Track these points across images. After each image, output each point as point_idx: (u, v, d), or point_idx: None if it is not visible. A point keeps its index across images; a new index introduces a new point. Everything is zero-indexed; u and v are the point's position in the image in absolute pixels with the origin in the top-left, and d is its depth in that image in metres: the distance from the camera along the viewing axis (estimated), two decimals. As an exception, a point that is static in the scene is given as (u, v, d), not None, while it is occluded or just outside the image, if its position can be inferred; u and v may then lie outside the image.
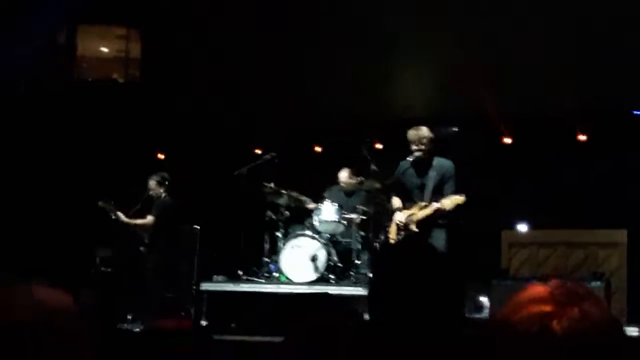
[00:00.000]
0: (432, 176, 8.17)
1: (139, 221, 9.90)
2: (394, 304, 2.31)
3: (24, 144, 11.06)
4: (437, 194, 8.08)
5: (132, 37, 11.96)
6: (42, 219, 10.72)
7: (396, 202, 8.38)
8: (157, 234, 9.79)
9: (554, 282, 1.76)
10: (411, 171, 8.30)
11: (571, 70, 10.30)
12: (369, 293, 2.50)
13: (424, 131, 8.20)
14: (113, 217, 9.79)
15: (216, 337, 6.85)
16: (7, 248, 9.56)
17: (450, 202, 7.85)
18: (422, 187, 8.22)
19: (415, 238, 7.85)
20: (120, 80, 12.15)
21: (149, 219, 9.89)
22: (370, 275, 8.39)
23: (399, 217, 8.25)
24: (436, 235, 8.06)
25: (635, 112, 10.92)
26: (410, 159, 8.26)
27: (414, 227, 8.14)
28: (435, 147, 8.28)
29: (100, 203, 9.77)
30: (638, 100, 10.75)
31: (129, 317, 9.44)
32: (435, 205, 7.93)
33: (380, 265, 2.51)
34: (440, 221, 8.06)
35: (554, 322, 1.63)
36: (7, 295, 1.51)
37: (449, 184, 8.12)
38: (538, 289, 1.77)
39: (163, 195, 9.97)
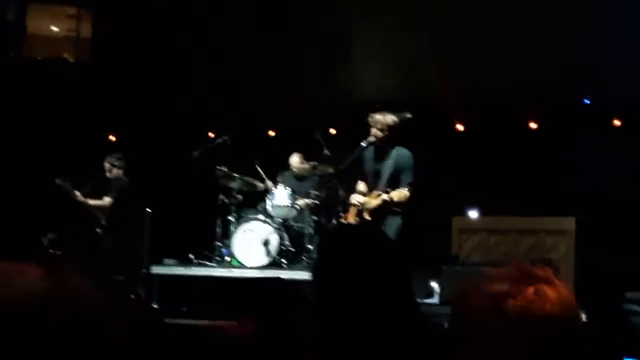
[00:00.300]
0: (389, 165, 8.00)
1: (96, 202, 9.82)
2: (337, 288, 2.31)
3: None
4: (393, 184, 7.95)
5: (83, 17, 11.82)
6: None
7: (361, 186, 8.26)
8: (114, 216, 9.70)
9: (513, 264, 1.77)
10: (370, 156, 8.16)
11: (523, 58, 10.40)
12: (313, 275, 2.48)
13: (389, 117, 8.00)
14: (70, 196, 9.69)
15: (167, 321, 6.86)
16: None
17: (397, 195, 7.74)
18: (377, 175, 8.12)
19: (368, 225, 7.85)
20: (71, 60, 12.00)
21: (106, 200, 9.83)
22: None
23: (356, 199, 8.20)
24: (389, 223, 8.03)
25: (585, 101, 11.04)
26: (370, 140, 8.05)
27: (366, 215, 8.13)
28: (397, 136, 8.10)
29: (57, 181, 9.67)
30: (588, 88, 10.88)
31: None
32: (384, 196, 7.85)
33: (323, 249, 2.49)
34: (395, 208, 8.03)
35: (509, 301, 1.64)
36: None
37: (406, 175, 7.93)
38: (497, 270, 1.78)
39: (119, 176, 9.91)
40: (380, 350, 2.21)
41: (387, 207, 7.93)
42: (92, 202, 9.89)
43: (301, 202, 10.07)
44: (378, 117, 7.98)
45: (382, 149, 8.05)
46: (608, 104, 10.71)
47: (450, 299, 1.86)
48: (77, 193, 9.72)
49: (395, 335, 2.25)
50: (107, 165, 9.96)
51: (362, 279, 2.30)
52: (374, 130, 7.96)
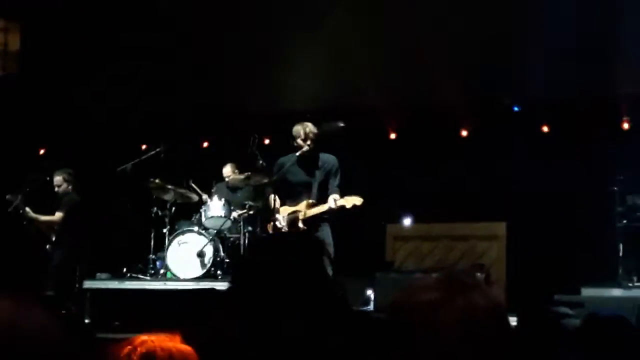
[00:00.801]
0: (318, 173, 8.09)
1: (47, 218, 9.64)
2: (255, 297, 2.32)
3: None
4: (323, 191, 8.06)
5: (11, 30, 11.64)
6: None
7: (272, 200, 8.24)
8: (64, 231, 9.54)
9: (442, 272, 1.80)
10: (296, 167, 8.17)
11: (456, 66, 10.51)
12: (231, 281, 2.49)
13: (310, 127, 8.11)
14: (20, 211, 9.51)
15: (99, 335, 6.77)
16: None
17: (346, 201, 7.77)
18: (308, 185, 8.14)
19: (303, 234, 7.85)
20: (-2, 73, 11.80)
21: (58, 215, 9.64)
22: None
23: (280, 216, 8.19)
24: (323, 229, 8.05)
25: (514, 108, 11.19)
26: (297, 154, 8.13)
27: (300, 224, 8.12)
28: (320, 143, 8.21)
29: (8, 196, 9.48)
30: (517, 96, 11.04)
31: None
32: (330, 203, 7.85)
33: (244, 259, 2.51)
34: (325, 216, 8.06)
35: (439, 309, 1.67)
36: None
37: (334, 179, 8.05)
38: (427, 279, 1.81)
39: (69, 191, 9.76)
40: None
41: (323, 215, 7.97)
42: (43, 217, 9.70)
43: (236, 213, 10.04)
44: (298, 127, 8.08)
45: (308, 158, 8.08)
46: (537, 111, 10.87)
47: (384, 309, 1.87)
48: (28, 209, 9.54)
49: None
50: (57, 179, 9.76)
51: (282, 285, 2.31)
52: (299, 141, 8.04)
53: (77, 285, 9.18)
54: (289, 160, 8.19)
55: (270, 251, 2.44)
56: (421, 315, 1.70)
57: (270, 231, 8.21)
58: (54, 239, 9.66)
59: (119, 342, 2.13)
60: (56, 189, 9.75)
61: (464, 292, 1.71)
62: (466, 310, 1.68)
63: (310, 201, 8.06)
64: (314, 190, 8.07)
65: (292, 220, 8.12)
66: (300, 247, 2.50)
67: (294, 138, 8.10)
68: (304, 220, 8.08)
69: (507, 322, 1.76)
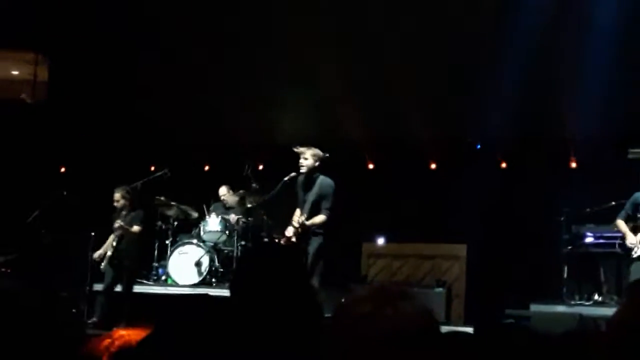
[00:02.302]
0: (313, 192, 7.81)
1: (135, 229, 9.08)
2: (249, 293, 2.29)
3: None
4: (316, 209, 7.79)
5: (40, 62, 11.65)
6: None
7: (297, 213, 7.99)
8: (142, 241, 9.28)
9: (372, 285, 1.77)
10: (301, 185, 7.95)
11: (427, 110, 10.55)
12: (230, 284, 2.48)
13: (312, 150, 7.85)
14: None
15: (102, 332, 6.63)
16: None
17: (311, 221, 7.68)
18: (305, 202, 7.90)
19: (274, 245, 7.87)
20: (29, 101, 11.79)
21: (136, 228, 9.04)
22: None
23: (293, 226, 7.94)
24: (312, 242, 7.89)
25: (477, 146, 11.21)
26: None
27: (293, 238, 7.96)
28: (321, 166, 7.91)
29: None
30: (479, 135, 11.06)
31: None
32: (301, 220, 7.72)
33: (241, 266, 2.51)
34: (317, 230, 7.90)
35: (373, 320, 1.63)
36: None
37: (326, 201, 7.76)
38: (361, 290, 1.76)
39: (127, 206, 9.15)
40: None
41: (307, 230, 7.82)
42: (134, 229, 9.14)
43: (229, 218, 9.99)
44: (303, 148, 7.84)
45: (310, 178, 7.83)
46: (496, 149, 10.89)
47: (328, 323, 1.85)
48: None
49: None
50: (117, 196, 9.15)
51: (268, 285, 2.30)
52: (302, 160, 7.80)
53: (88, 288, 9.05)
54: (299, 178, 7.97)
55: (258, 261, 2.45)
56: (356, 327, 1.66)
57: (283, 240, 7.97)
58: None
59: (99, 336, 2.06)
60: (115, 204, 9.13)
61: (393, 302, 1.66)
62: (395, 319, 1.64)
63: (303, 217, 7.82)
64: (307, 208, 7.78)
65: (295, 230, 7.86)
66: (282, 258, 2.49)
67: (300, 155, 7.89)
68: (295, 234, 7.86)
69: (437, 329, 1.71)
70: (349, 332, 1.66)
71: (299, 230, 7.78)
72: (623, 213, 8.19)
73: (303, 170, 7.80)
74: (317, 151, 7.88)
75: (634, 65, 9.38)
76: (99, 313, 8.81)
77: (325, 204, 7.80)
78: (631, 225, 8.07)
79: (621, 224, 8.18)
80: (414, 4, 9.97)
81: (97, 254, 9.00)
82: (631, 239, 7.98)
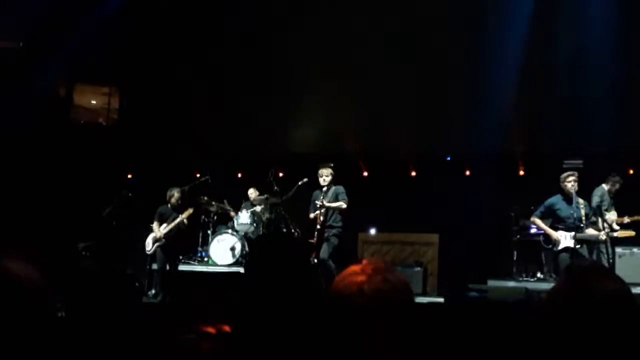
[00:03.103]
0: (329, 197, 8.23)
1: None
2: (259, 277, 2.23)
3: (34, 166, 10.50)
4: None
5: (113, 93, 11.67)
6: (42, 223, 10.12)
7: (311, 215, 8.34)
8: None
9: (365, 261, 1.77)
10: (317, 196, 8.31)
11: (408, 130, 10.54)
12: (245, 267, 2.42)
13: (329, 170, 8.31)
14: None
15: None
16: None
17: (335, 204, 8.15)
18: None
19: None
20: (104, 124, 11.81)
21: (186, 222, 8.88)
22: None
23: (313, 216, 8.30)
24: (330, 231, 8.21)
25: (447, 158, 11.19)
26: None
27: (318, 225, 8.21)
28: (334, 179, 8.35)
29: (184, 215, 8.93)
30: (449, 149, 11.04)
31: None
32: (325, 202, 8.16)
33: (253, 250, 2.43)
34: (335, 224, 8.23)
35: (365, 286, 1.66)
36: None
37: (341, 197, 8.26)
38: (355, 266, 1.77)
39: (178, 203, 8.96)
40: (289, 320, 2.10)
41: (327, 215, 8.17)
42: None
43: (258, 208, 10.08)
44: (323, 170, 8.27)
45: (325, 189, 8.27)
46: (462, 160, 10.87)
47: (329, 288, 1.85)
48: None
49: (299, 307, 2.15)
50: (176, 195, 8.94)
51: (276, 269, 2.22)
52: (322, 178, 8.24)
53: (147, 267, 9.03)
54: (317, 192, 8.38)
55: (268, 248, 2.39)
56: (353, 290, 1.67)
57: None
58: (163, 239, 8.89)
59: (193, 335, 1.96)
60: (170, 200, 8.93)
61: (381, 273, 1.68)
62: (383, 285, 1.67)
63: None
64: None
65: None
66: (291, 246, 2.40)
67: (320, 176, 8.29)
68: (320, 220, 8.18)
69: (410, 291, 1.73)
70: (346, 294, 1.67)
71: (321, 211, 8.10)
72: (538, 212, 7.91)
73: (325, 183, 8.25)
74: (331, 170, 8.34)
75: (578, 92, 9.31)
76: (156, 287, 8.81)
77: (342, 198, 8.25)
78: (548, 223, 7.88)
79: (539, 221, 7.92)
80: (406, 41, 9.91)
81: (149, 240, 8.94)
82: (555, 235, 7.75)
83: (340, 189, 8.34)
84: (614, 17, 8.94)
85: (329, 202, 8.14)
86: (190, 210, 9.00)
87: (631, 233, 7.86)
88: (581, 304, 1.75)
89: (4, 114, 9.07)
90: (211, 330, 1.95)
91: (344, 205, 8.14)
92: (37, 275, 1.33)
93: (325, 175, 8.23)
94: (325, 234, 8.16)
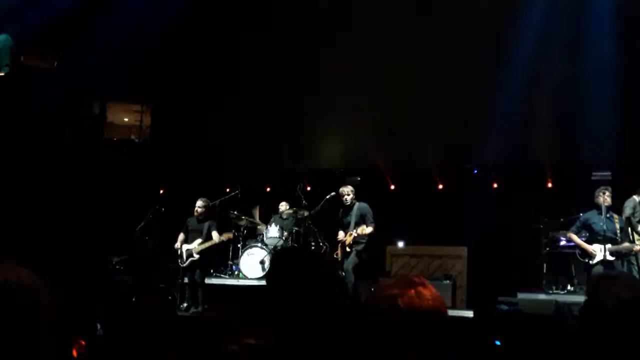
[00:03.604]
0: (353, 215, 8.29)
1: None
2: (280, 288, 2.23)
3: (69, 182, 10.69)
4: (359, 226, 8.20)
5: (145, 111, 11.86)
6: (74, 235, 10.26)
7: (341, 234, 8.38)
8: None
9: (398, 276, 1.81)
10: (343, 213, 8.41)
11: (436, 144, 10.52)
12: (266, 279, 2.42)
13: (349, 188, 8.42)
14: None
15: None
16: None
17: (361, 230, 8.13)
18: (348, 224, 8.31)
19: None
20: (136, 140, 11.99)
21: (216, 235, 8.78)
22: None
23: (341, 238, 8.34)
24: (357, 247, 8.21)
25: (474, 171, 11.12)
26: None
27: (347, 248, 8.24)
28: (356, 196, 8.41)
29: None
30: (476, 162, 10.98)
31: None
32: (355, 232, 8.17)
33: (274, 265, 2.42)
34: (361, 240, 8.23)
35: (399, 300, 1.70)
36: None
37: (368, 217, 8.27)
38: (389, 281, 1.81)
39: (204, 214, 8.91)
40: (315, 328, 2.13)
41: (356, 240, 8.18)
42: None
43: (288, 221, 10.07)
44: (343, 189, 8.38)
45: (348, 207, 8.34)
46: (489, 173, 10.79)
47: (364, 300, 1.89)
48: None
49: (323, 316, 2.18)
50: (200, 204, 8.86)
51: (297, 281, 2.23)
52: (344, 198, 8.34)
53: (179, 280, 9.08)
54: (341, 209, 8.46)
55: (287, 261, 2.38)
56: (387, 304, 1.70)
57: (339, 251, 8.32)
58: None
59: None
60: (197, 209, 8.85)
61: (415, 287, 1.72)
62: (416, 299, 1.70)
63: (349, 232, 8.27)
64: (351, 227, 8.28)
65: (343, 242, 8.30)
66: (310, 259, 2.42)
67: (341, 195, 8.39)
68: (349, 244, 8.22)
69: (444, 305, 1.75)
70: (382, 307, 1.71)
71: (351, 239, 8.18)
72: (574, 228, 7.99)
73: (348, 203, 8.33)
74: (352, 188, 8.45)
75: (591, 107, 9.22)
76: (188, 299, 8.85)
77: (369, 220, 8.27)
78: (584, 237, 7.90)
79: (574, 237, 7.96)
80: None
81: (183, 254, 8.91)
82: (590, 249, 7.73)
83: (366, 208, 8.32)
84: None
85: (355, 221, 8.16)
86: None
87: None
88: (597, 312, 1.78)
89: (40, 132, 9.27)
90: (251, 341, 1.98)
91: (372, 230, 8.13)
92: (34, 279, 1.32)
93: (346, 195, 8.32)
94: (352, 248, 8.17)
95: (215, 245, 8.81)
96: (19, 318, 1.21)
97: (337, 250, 8.36)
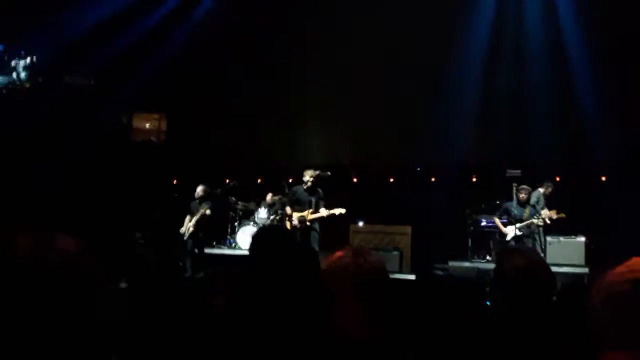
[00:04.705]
0: (315, 197, 7.90)
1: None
2: (261, 261, 2.18)
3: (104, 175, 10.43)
4: (317, 207, 7.87)
5: (161, 119, 11.69)
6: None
7: (289, 210, 7.99)
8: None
9: (349, 247, 1.77)
10: (304, 193, 7.96)
11: (387, 145, 10.50)
12: (249, 250, 2.36)
13: (312, 171, 7.94)
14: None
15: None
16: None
17: (334, 210, 7.71)
18: (310, 203, 7.92)
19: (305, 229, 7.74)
20: (155, 141, 11.80)
21: (208, 212, 8.35)
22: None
23: (294, 218, 8.02)
24: (314, 226, 7.89)
25: (417, 168, 11.16)
26: (304, 186, 7.97)
27: (307, 223, 7.91)
28: (317, 182, 8.03)
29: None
30: (419, 161, 11.01)
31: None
32: (323, 211, 7.72)
33: (255, 240, 2.39)
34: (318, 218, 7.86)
35: (350, 265, 1.65)
36: (38, 241, 1.04)
37: (322, 202, 7.89)
38: (343, 250, 1.77)
39: (202, 197, 8.57)
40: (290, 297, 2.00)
41: (316, 219, 7.77)
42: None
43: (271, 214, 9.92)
44: (306, 172, 7.92)
45: (310, 189, 7.91)
46: (429, 169, 10.85)
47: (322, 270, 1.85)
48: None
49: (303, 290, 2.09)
50: (199, 189, 8.55)
51: (273, 255, 2.17)
52: (306, 178, 7.87)
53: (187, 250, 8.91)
54: (299, 189, 7.96)
55: (268, 237, 2.33)
56: (338, 269, 1.65)
57: (289, 226, 7.89)
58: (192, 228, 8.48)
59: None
60: (196, 194, 8.55)
61: (363, 255, 1.67)
62: (363, 264, 1.64)
63: (311, 210, 7.87)
64: (314, 206, 7.88)
65: (301, 221, 7.93)
66: (276, 235, 2.39)
67: (305, 176, 7.92)
68: (308, 221, 7.88)
69: (386, 271, 1.71)
70: (336, 273, 1.65)
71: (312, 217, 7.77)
72: (497, 213, 8.28)
73: (309, 185, 7.84)
74: (313, 172, 7.88)
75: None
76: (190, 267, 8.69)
77: (322, 203, 7.84)
78: (504, 220, 8.13)
79: (497, 220, 8.30)
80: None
81: (182, 229, 8.76)
82: (504, 229, 8.07)
83: (321, 192, 7.90)
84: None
85: (315, 202, 7.82)
86: (206, 211, 8.58)
87: (562, 215, 7.93)
88: (501, 276, 1.81)
89: (80, 137, 9.08)
90: (220, 301, 1.93)
91: (343, 212, 7.71)
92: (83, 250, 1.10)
93: (309, 177, 7.85)
94: (312, 224, 7.92)
95: (202, 218, 8.43)
96: (83, 283, 1.03)
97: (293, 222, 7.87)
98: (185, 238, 8.58)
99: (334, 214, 7.68)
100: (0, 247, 1.01)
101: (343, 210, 7.71)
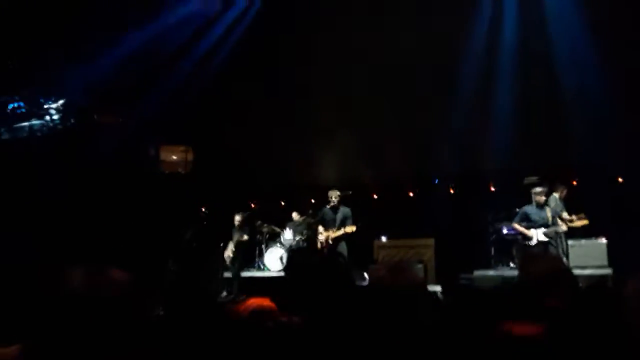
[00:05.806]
0: (339, 216, 8.04)
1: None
2: (297, 280, 2.19)
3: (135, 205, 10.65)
4: (342, 225, 7.96)
5: (188, 150, 11.90)
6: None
7: (321, 229, 8.17)
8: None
9: (389, 261, 1.81)
10: (329, 213, 8.13)
11: (405, 160, 10.50)
12: (285, 273, 2.39)
13: (337, 192, 8.15)
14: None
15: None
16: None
17: (350, 229, 7.77)
18: (334, 221, 8.07)
19: (331, 248, 7.78)
20: (182, 172, 11.99)
21: (245, 237, 8.92)
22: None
23: (322, 236, 8.10)
24: (341, 245, 7.93)
25: (435, 180, 11.11)
26: (328, 206, 8.16)
27: (330, 241, 8.00)
28: (341, 201, 8.20)
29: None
30: (436, 173, 10.97)
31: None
32: (343, 230, 7.82)
33: (290, 261, 2.41)
34: (344, 237, 7.94)
35: (385, 277, 1.72)
36: (97, 275, 1.15)
37: (348, 221, 8.00)
38: (381, 265, 1.81)
39: (241, 225, 9.01)
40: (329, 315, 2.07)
41: (341, 237, 7.84)
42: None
43: (298, 237, 9.92)
44: (331, 192, 8.06)
45: (334, 208, 7.99)
46: (447, 181, 10.79)
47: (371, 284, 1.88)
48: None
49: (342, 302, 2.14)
50: (238, 218, 8.95)
51: (309, 275, 2.21)
52: (332, 199, 7.99)
53: (219, 274, 9.04)
54: (326, 209, 8.17)
55: (303, 255, 2.37)
56: (378, 280, 1.74)
57: (319, 246, 8.01)
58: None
59: (238, 304, 2.01)
60: (236, 222, 9.06)
61: (401, 271, 1.69)
62: (398, 277, 1.71)
63: (335, 229, 7.96)
64: (337, 225, 7.96)
65: (327, 239, 7.98)
66: (307, 255, 2.44)
67: (329, 197, 8.08)
68: (332, 239, 7.95)
69: (425, 284, 1.81)
70: (377, 286, 1.73)
71: (334, 235, 7.85)
72: (516, 219, 7.96)
73: (334, 204, 8.06)
74: (338, 192, 8.13)
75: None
76: (226, 289, 8.81)
77: (349, 222, 7.97)
78: (524, 225, 7.89)
79: (517, 225, 7.97)
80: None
81: (226, 255, 8.99)
82: (529, 233, 7.76)
83: (349, 212, 8.03)
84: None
85: (340, 220, 7.95)
86: (242, 237, 9.01)
87: (585, 222, 7.77)
88: (525, 282, 1.82)
89: (114, 170, 9.32)
90: (284, 319, 1.94)
91: (354, 229, 7.83)
92: (131, 281, 1.23)
93: (334, 197, 8.03)
94: (335, 243, 7.96)
95: (240, 242, 8.79)
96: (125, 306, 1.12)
97: (320, 241, 8.07)
98: (228, 263, 8.89)
99: (346, 233, 7.74)
100: (58, 280, 1.08)
101: (353, 228, 7.76)
